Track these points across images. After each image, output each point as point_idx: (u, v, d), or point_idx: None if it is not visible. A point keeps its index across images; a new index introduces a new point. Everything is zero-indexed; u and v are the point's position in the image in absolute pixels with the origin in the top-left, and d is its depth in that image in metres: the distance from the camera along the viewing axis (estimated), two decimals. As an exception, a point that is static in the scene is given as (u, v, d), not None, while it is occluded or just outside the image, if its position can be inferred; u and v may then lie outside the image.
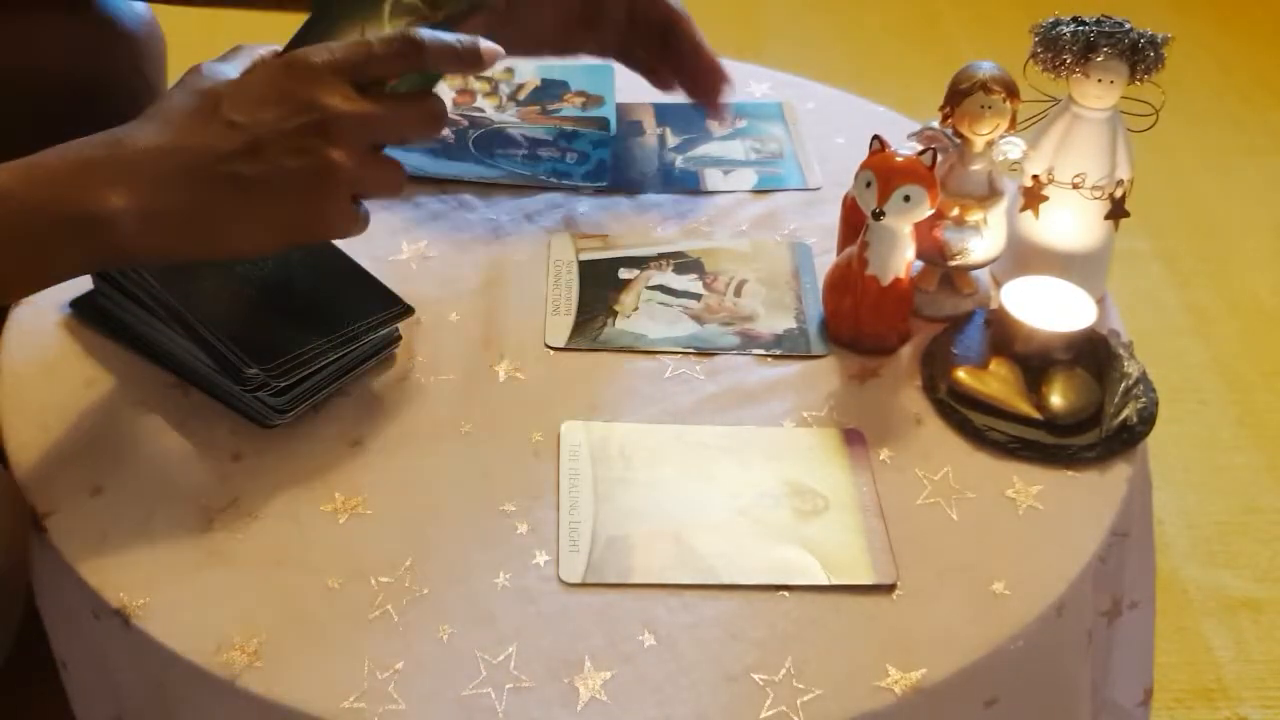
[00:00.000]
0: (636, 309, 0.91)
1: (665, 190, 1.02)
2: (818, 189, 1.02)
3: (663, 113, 1.10)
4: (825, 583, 0.73)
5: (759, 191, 1.02)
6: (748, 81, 1.14)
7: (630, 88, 1.12)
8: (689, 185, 1.02)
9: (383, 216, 0.96)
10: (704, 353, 0.87)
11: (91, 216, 0.68)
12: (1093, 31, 0.85)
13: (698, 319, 0.90)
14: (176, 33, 1.11)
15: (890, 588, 0.73)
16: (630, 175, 1.03)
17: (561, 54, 1.03)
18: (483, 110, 1.08)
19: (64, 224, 0.68)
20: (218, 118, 0.70)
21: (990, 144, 0.86)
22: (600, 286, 0.92)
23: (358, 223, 0.74)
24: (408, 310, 0.84)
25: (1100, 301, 0.91)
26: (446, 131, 1.04)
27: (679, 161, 1.05)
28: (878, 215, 0.81)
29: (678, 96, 1.02)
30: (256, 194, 0.70)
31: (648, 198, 1.01)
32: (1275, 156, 2.15)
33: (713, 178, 1.03)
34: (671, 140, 1.07)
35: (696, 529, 0.76)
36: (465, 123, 1.06)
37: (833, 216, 0.94)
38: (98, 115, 0.77)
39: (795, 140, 1.07)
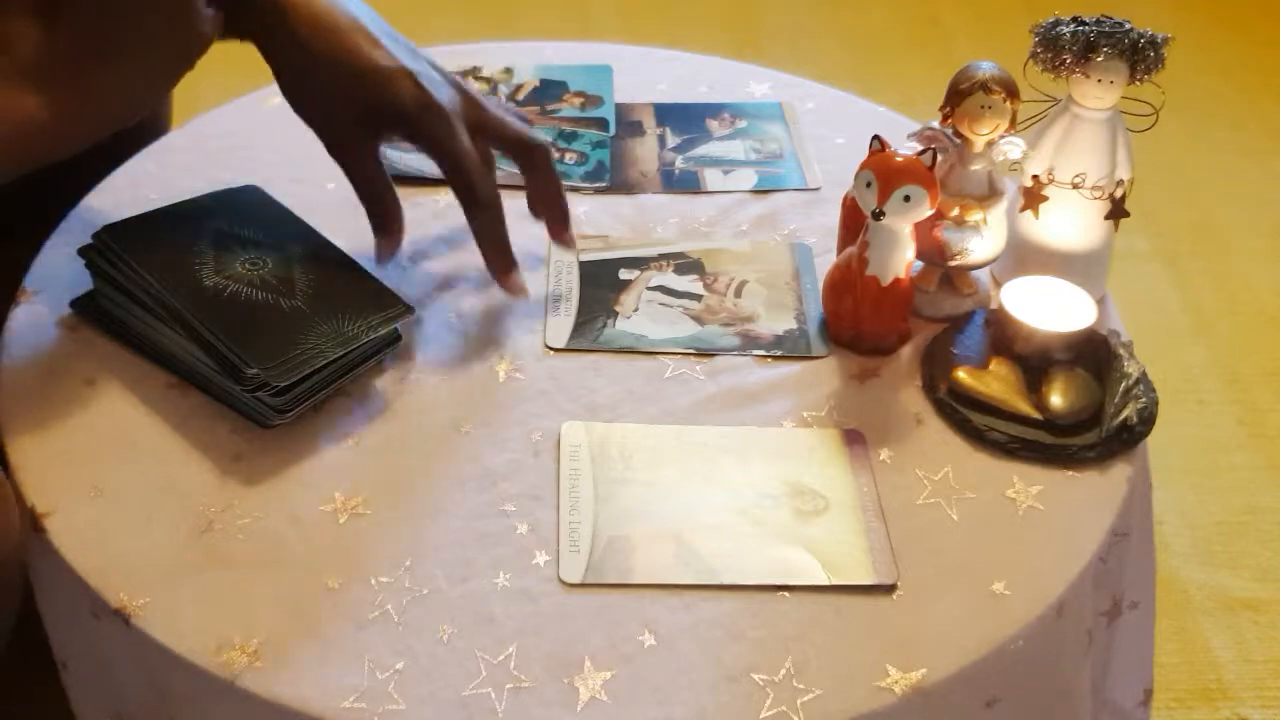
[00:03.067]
0: (637, 309, 0.91)
1: (665, 190, 1.02)
2: (818, 189, 1.02)
3: (662, 113, 1.10)
4: (825, 583, 0.73)
5: (759, 191, 1.02)
6: (748, 81, 1.14)
7: (630, 88, 1.12)
8: (689, 185, 1.02)
9: (383, 216, 0.96)
10: (704, 353, 0.87)
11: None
12: (1093, 31, 0.85)
13: (698, 320, 0.90)
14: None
15: (890, 588, 0.73)
16: (630, 175, 1.03)
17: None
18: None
19: None
20: None
21: (990, 144, 0.86)
22: (600, 287, 0.92)
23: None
24: (408, 310, 0.84)
25: (1100, 301, 0.91)
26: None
27: (679, 162, 1.04)
28: (878, 215, 0.81)
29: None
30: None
31: (648, 198, 1.01)
32: (1274, 156, 2.15)
33: (713, 178, 1.03)
34: (671, 140, 1.07)
35: (697, 529, 0.76)
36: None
37: (833, 217, 0.94)
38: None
39: (795, 140, 1.07)
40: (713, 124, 1.09)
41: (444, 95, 0.85)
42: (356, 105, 0.84)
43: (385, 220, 0.87)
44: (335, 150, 0.86)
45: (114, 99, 0.75)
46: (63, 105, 0.73)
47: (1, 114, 0.71)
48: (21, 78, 0.72)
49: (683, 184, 1.02)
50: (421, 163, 1.01)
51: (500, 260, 0.87)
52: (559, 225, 0.91)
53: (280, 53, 0.84)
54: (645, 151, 1.06)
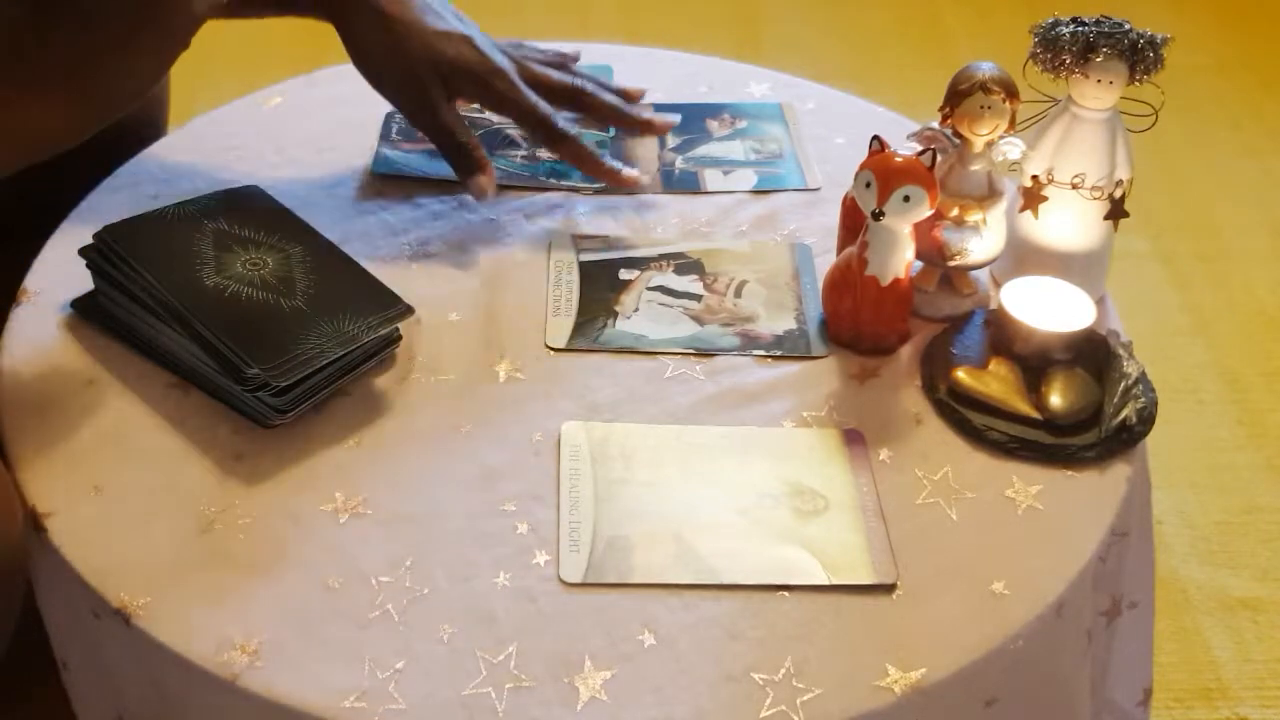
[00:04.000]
0: (637, 310, 0.91)
1: (665, 191, 1.02)
2: (818, 189, 1.02)
3: (663, 113, 1.09)
4: (825, 583, 0.73)
5: (759, 192, 1.02)
6: (748, 82, 1.14)
7: (630, 88, 1.12)
8: (689, 186, 1.02)
9: (383, 217, 0.97)
10: (704, 353, 0.87)
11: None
12: (1092, 32, 0.85)
13: (698, 320, 0.90)
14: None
15: (890, 588, 0.73)
16: (630, 175, 1.03)
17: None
18: (483, 112, 1.08)
19: None
20: None
21: (990, 144, 0.86)
22: (601, 287, 0.92)
23: None
24: (408, 310, 0.84)
25: (1100, 301, 0.91)
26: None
27: (679, 162, 1.05)
28: (877, 215, 0.81)
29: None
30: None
31: (648, 198, 1.01)
32: (1274, 157, 2.15)
33: (713, 178, 1.03)
34: (671, 141, 1.07)
35: (697, 529, 0.76)
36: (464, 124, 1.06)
37: (833, 217, 0.94)
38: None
39: (795, 141, 1.07)
40: (713, 124, 1.09)
41: (500, 58, 0.94)
42: (429, 66, 0.92)
43: (472, 162, 0.94)
44: (412, 109, 0.94)
45: (106, 85, 0.74)
46: (54, 95, 0.72)
47: None
48: (12, 70, 0.71)
49: (683, 184, 1.03)
50: (421, 163, 1.01)
51: (602, 171, 0.96)
52: (639, 129, 1.00)
53: (355, 23, 0.92)
54: (645, 152, 1.06)
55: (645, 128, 1.00)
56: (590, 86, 0.99)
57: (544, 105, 0.94)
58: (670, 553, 0.74)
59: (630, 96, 1.02)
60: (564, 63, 1.02)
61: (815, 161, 1.05)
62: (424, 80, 0.93)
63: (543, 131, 0.95)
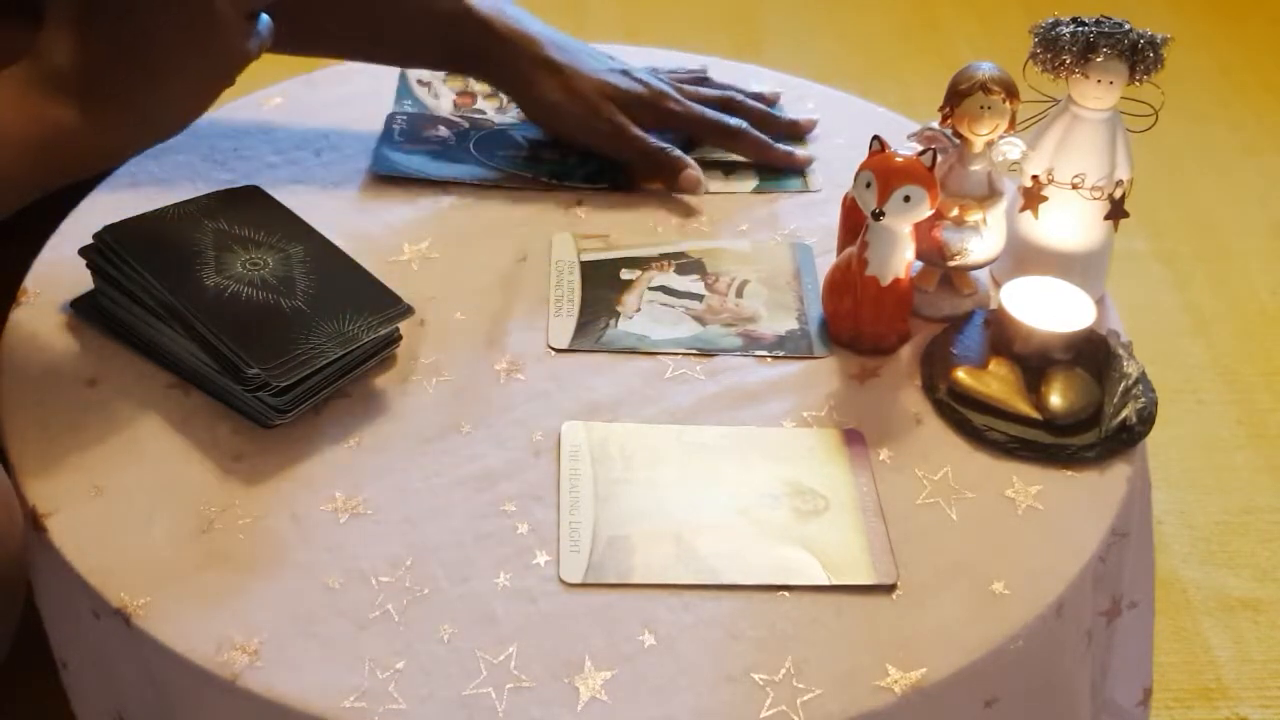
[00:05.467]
0: (639, 310, 0.91)
1: (666, 191, 1.02)
2: (818, 190, 1.02)
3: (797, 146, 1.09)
4: (825, 583, 0.73)
5: (759, 192, 1.02)
6: (748, 82, 1.14)
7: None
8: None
9: (384, 218, 0.97)
10: (706, 354, 0.87)
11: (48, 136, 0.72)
12: (1092, 32, 0.85)
13: (700, 320, 0.90)
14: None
15: (890, 588, 0.73)
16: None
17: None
18: (484, 112, 1.08)
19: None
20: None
21: (990, 144, 0.86)
22: (602, 287, 0.92)
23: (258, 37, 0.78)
24: (408, 310, 0.84)
25: (1100, 302, 0.91)
26: (447, 133, 1.04)
27: (679, 162, 1.04)
28: (877, 215, 0.81)
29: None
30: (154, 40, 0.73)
31: (648, 198, 1.01)
32: (1274, 156, 2.15)
33: (713, 178, 1.03)
34: (672, 140, 1.06)
35: (697, 529, 0.76)
36: (466, 125, 1.06)
37: (833, 217, 0.94)
38: None
39: (795, 140, 1.07)
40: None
41: (657, 82, 1.02)
42: (607, 101, 1.00)
43: (673, 164, 1.00)
44: (602, 142, 1.01)
45: (148, 112, 0.75)
46: (95, 115, 0.73)
47: (33, 121, 0.71)
48: (54, 87, 0.72)
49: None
50: (421, 163, 1.01)
51: (776, 156, 1.03)
52: (784, 162, 1.04)
53: (535, 83, 1.00)
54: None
55: (787, 159, 1.04)
56: (736, 94, 1.06)
57: (710, 112, 1.02)
58: (670, 553, 0.74)
59: (771, 102, 1.09)
60: (703, 79, 1.09)
61: (815, 161, 1.05)
62: (607, 113, 0.99)
63: (719, 134, 1.03)
